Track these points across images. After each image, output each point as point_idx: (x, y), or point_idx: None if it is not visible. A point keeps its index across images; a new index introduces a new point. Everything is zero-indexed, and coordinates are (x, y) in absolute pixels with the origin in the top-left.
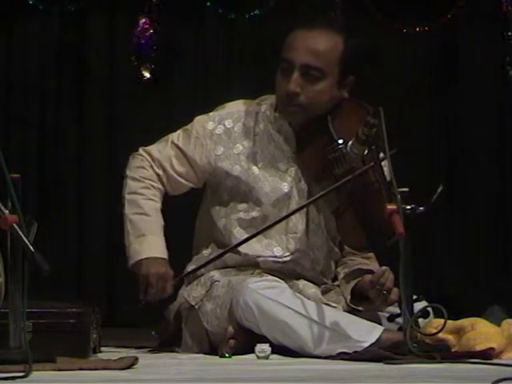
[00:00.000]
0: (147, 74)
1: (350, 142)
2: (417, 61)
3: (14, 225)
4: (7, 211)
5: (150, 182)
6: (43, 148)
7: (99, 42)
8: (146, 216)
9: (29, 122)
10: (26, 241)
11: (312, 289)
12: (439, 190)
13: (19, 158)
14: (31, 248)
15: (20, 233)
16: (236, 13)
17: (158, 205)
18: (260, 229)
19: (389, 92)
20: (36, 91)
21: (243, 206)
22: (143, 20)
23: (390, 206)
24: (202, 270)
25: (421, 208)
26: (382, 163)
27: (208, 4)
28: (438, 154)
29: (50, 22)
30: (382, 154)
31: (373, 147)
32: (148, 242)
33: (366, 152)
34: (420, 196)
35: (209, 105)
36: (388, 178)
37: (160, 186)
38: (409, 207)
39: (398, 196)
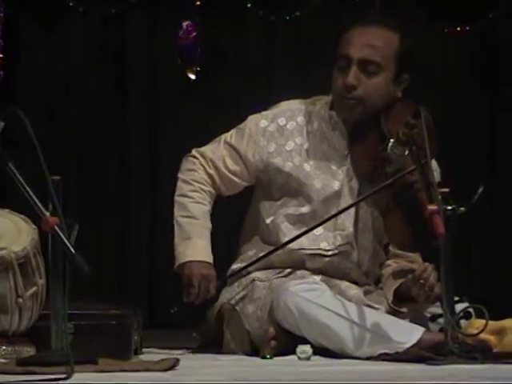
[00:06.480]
0: (192, 76)
1: (391, 143)
2: (458, 61)
3: (55, 227)
4: (48, 213)
5: (200, 185)
6: (85, 149)
7: (141, 43)
8: (194, 219)
9: (71, 123)
10: (67, 243)
11: (354, 290)
12: (480, 190)
13: (61, 159)
14: (72, 250)
15: (61, 235)
16: (276, 14)
17: (207, 208)
18: (310, 226)
19: (429, 93)
20: (78, 92)
21: (294, 202)
22: (187, 22)
23: (431, 207)
24: (245, 271)
25: (462, 208)
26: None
27: (248, 5)
28: (480, 154)
29: (92, 23)
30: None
31: (414, 148)
32: (193, 245)
33: (406, 153)
34: (461, 196)
35: (250, 105)
36: (430, 179)
37: (210, 189)
38: (449, 207)
39: (439, 196)
